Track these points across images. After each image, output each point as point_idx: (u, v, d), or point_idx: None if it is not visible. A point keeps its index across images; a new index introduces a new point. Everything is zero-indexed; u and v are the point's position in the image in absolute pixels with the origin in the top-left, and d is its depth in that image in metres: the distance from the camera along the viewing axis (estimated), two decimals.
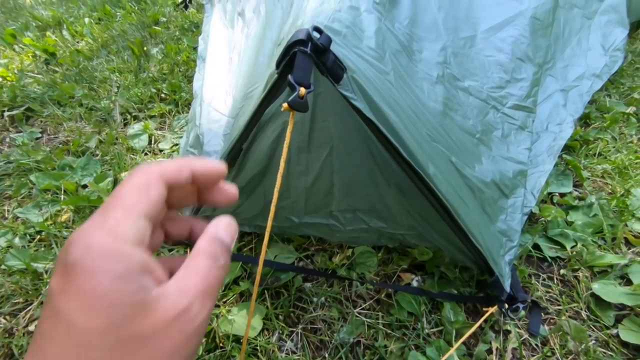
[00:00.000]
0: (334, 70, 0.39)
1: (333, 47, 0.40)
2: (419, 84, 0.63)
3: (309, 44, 0.36)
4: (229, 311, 0.73)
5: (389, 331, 0.71)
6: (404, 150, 0.47)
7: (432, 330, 0.71)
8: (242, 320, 0.71)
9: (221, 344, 0.69)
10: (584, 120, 1.11)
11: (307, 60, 0.36)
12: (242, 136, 0.58)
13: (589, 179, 0.96)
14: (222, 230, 0.24)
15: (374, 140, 0.51)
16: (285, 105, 0.35)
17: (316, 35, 0.37)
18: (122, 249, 0.19)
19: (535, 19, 0.84)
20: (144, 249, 0.20)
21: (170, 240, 0.27)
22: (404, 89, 0.57)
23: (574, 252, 0.80)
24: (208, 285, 0.21)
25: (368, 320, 0.72)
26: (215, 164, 0.25)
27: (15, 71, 1.63)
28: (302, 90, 0.35)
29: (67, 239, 0.19)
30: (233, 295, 0.76)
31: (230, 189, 0.27)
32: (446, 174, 0.60)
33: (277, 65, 0.40)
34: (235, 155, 0.66)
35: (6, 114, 1.37)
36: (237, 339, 0.69)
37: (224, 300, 0.76)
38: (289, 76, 0.35)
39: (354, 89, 0.41)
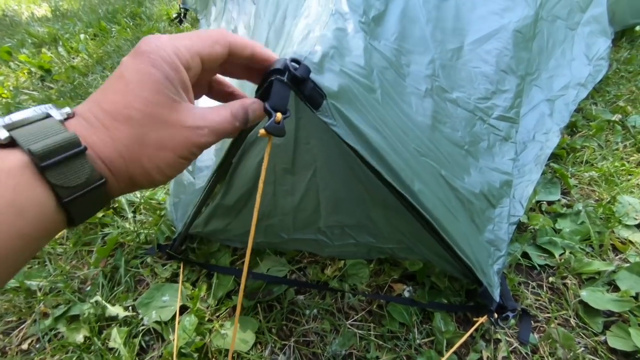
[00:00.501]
0: (313, 97, 0.41)
1: (319, 68, 0.41)
2: (407, 99, 0.65)
3: (286, 74, 0.37)
4: (221, 326, 0.73)
5: (380, 342, 0.71)
6: (386, 171, 0.48)
7: (423, 340, 0.72)
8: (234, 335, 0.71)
9: (214, 359, 0.69)
10: (571, 129, 1.13)
11: (284, 88, 0.37)
12: (223, 163, 0.60)
13: (576, 186, 0.97)
14: (252, 107, 0.34)
15: (358, 163, 0.52)
16: (262, 131, 0.36)
17: (295, 65, 0.38)
18: (177, 65, 0.27)
19: (517, 32, 0.86)
20: (189, 76, 0.29)
21: (213, 96, 0.39)
22: (391, 106, 0.58)
23: (563, 260, 0.81)
24: (220, 128, 0.30)
25: (360, 331, 0.73)
26: (270, 55, 0.35)
27: (11, 88, 1.64)
28: (279, 115, 0.36)
29: (145, 38, 0.28)
30: (226, 309, 0.76)
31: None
32: (434, 188, 0.61)
33: (256, 92, 0.41)
34: (226, 169, 0.67)
35: None
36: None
37: (217, 314, 0.76)
38: (265, 103, 0.36)
39: (334, 114, 0.43)
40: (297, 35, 0.49)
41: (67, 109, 0.26)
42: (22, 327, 0.78)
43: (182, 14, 2.14)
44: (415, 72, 0.68)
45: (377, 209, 0.65)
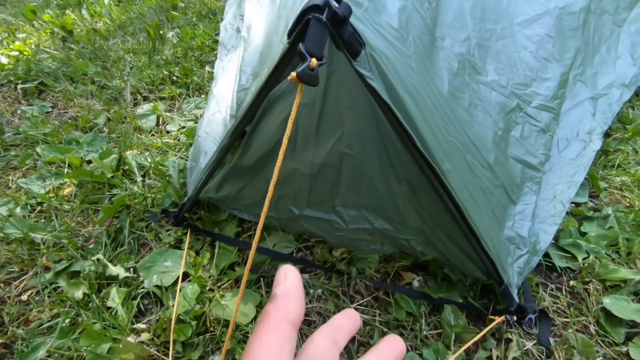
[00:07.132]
0: (352, 44, 0.36)
1: (352, 19, 0.37)
2: (440, 73, 0.60)
3: (326, 11, 0.33)
4: (222, 296, 0.71)
5: (385, 329, 0.68)
6: (420, 142, 0.44)
7: (430, 332, 0.68)
8: (235, 306, 0.69)
9: (212, 328, 0.67)
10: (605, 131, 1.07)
11: (321, 29, 0.33)
12: (245, 117, 0.55)
13: (606, 190, 0.92)
14: None
15: (389, 131, 0.48)
16: (293, 74, 0.32)
17: (334, 4, 0.34)
18: None
19: (563, 19, 0.81)
20: None
21: None
22: (424, 76, 0.54)
23: (586, 264, 0.76)
24: None
25: (365, 316, 0.70)
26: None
27: (33, 46, 1.64)
28: (314, 61, 0.32)
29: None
30: (228, 280, 0.74)
31: None
32: (460, 172, 0.57)
33: (289, 35, 0.37)
34: (238, 137, 0.63)
35: (19, 86, 1.37)
36: (228, 324, 0.67)
37: (219, 284, 0.74)
38: (300, 45, 0.32)
39: (372, 67, 0.38)
40: None
41: None
42: (23, 278, 0.77)
43: None
44: (449, 47, 0.64)
45: (401, 189, 0.60)
